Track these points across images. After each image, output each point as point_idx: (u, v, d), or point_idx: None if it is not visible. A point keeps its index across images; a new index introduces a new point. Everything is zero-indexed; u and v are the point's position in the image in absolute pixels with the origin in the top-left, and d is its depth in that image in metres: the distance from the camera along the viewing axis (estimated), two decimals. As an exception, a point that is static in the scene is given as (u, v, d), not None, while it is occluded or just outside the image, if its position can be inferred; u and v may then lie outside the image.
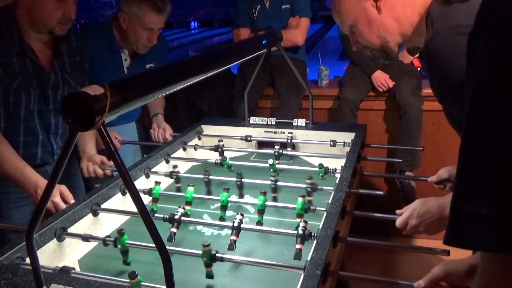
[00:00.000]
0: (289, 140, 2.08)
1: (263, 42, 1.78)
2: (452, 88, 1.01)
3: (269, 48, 1.97)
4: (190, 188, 1.51)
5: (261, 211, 1.39)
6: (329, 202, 1.42)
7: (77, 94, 0.81)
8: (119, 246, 1.26)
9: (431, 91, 2.98)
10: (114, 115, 0.87)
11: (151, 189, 1.56)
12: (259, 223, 1.37)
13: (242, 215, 1.31)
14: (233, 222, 1.28)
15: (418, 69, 3.04)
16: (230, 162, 1.87)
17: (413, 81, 2.80)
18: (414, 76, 2.84)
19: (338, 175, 1.76)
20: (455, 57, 0.99)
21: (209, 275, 1.17)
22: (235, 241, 1.26)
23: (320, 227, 1.25)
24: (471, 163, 0.62)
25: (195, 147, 2.08)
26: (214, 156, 2.03)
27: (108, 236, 1.29)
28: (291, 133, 2.14)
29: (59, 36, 1.76)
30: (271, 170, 1.78)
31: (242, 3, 3.06)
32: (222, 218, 1.43)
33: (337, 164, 1.81)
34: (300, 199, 1.38)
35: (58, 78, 1.80)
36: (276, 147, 1.93)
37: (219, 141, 2.01)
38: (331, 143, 2.01)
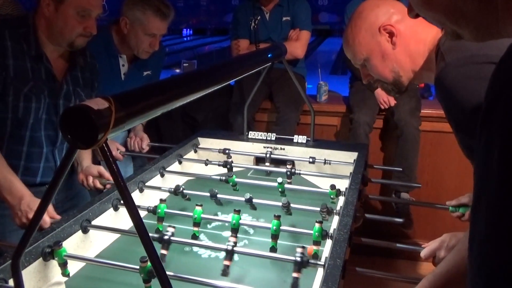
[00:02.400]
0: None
1: (269, 55, 1.71)
2: (468, 118, 0.98)
3: (272, 62, 1.90)
4: (198, 208, 1.41)
5: (274, 236, 1.30)
6: (336, 227, 1.34)
7: (79, 108, 0.73)
8: (56, 258, 1.18)
9: (430, 111, 2.95)
10: (118, 131, 0.79)
11: (155, 207, 1.47)
12: (273, 249, 1.28)
13: (235, 237, 1.23)
14: (227, 246, 1.20)
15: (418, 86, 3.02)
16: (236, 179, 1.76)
17: (412, 101, 2.75)
18: (414, 96, 2.80)
19: (341, 197, 1.69)
20: (469, 86, 0.96)
21: None
22: (228, 266, 1.18)
23: (328, 256, 1.17)
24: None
25: (206, 162, 1.97)
26: (210, 171, 1.96)
27: (50, 247, 1.20)
28: (283, 148, 2.09)
29: (77, 50, 1.71)
30: (279, 189, 1.69)
31: (242, 14, 3.01)
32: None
33: (336, 184, 1.74)
34: (317, 225, 1.29)
35: (69, 90, 1.74)
36: (289, 166, 1.85)
37: (228, 157, 1.95)
38: (310, 160, 1.96)
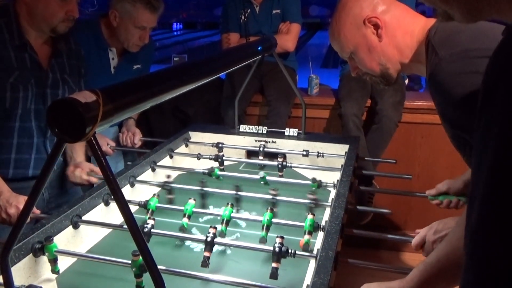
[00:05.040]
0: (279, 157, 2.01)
1: (259, 48, 1.70)
2: (463, 113, 0.97)
3: (263, 54, 1.90)
4: (191, 201, 1.42)
5: (267, 227, 1.31)
6: (327, 219, 1.34)
7: (66, 101, 0.71)
8: (46, 254, 1.17)
9: (421, 103, 2.95)
10: (106, 125, 0.78)
11: (146, 201, 1.47)
12: (263, 239, 1.29)
13: (215, 228, 1.23)
14: (206, 237, 1.20)
15: (406, 81, 3.02)
16: (219, 173, 1.79)
17: (397, 95, 2.75)
18: (400, 90, 2.79)
19: (331, 189, 1.70)
20: (463, 82, 0.96)
21: (140, 286, 1.09)
22: (208, 258, 1.18)
23: (320, 248, 1.17)
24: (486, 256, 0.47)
25: (198, 156, 1.97)
26: (201, 165, 1.95)
27: (40, 242, 1.19)
28: (275, 141, 2.10)
29: (59, 36, 1.69)
30: (262, 182, 1.71)
31: (231, 8, 2.99)
32: (222, 233, 1.34)
33: (328, 176, 1.76)
34: (309, 217, 1.30)
35: (56, 78, 1.71)
36: (280, 159, 1.86)
37: (219, 150, 1.95)
38: (304, 153, 1.96)
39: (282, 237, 1.17)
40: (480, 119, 0.50)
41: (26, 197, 1.46)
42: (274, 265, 1.13)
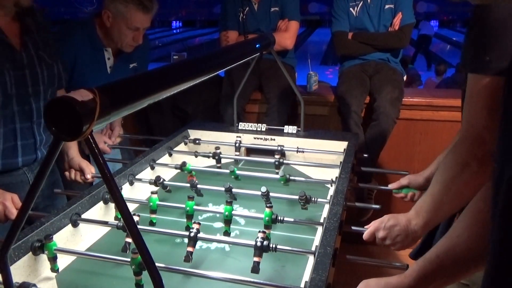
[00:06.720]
0: (279, 148, 2.01)
1: (257, 45, 1.70)
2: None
3: (261, 52, 1.90)
4: (154, 196, 1.43)
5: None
6: (326, 216, 1.35)
7: (63, 100, 0.72)
8: (46, 252, 1.18)
9: (419, 100, 2.93)
10: (103, 123, 0.78)
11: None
12: (226, 233, 1.31)
13: (199, 224, 1.23)
14: (190, 232, 1.20)
15: (405, 78, 3.03)
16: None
17: (395, 91, 2.75)
18: (398, 87, 2.79)
19: (330, 186, 1.70)
20: None
21: (139, 284, 1.09)
22: (191, 253, 1.19)
23: (319, 244, 1.18)
24: None
25: (196, 153, 1.98)
26: (204, 163, 1.96)
27: (39, 241, 1.19)
28: (274, 139, 2.10)
29: (26, 12, 1.59)
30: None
31: (230, 5, 2.99)
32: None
33: (327, 173, 1.76)
34: (267, 210, 1.30)
35: (31, 55, 1.61)
36: (277, 156, 1.87)
37: (216, 148, 1.95)
38: (303, 150, 1.96)
39: (264, 232, 1.17)
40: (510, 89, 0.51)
41: (13, 194, 1.45)
42: (255, 259, 1.14)
